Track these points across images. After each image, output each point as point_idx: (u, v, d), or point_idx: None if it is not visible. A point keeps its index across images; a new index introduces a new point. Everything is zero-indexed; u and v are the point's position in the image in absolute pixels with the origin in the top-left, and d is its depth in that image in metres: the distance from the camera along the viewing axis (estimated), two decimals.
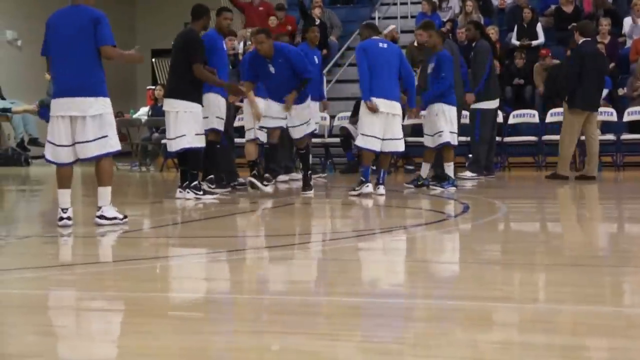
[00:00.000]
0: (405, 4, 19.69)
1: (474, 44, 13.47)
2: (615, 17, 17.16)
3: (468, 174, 13.48)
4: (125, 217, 8.36)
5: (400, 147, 10.88)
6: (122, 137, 21.02)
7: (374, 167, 11.41)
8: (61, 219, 8.18)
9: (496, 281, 5.59)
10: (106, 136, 8.09)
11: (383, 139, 10.70)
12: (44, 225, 9.05)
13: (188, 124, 10.30)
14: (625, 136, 15.41)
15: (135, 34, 24.71)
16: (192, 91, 10.31)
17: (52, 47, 8.19)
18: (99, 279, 5.87)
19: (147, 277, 5.93)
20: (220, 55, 11.12)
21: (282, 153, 13.39)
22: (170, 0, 23.31)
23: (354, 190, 10.86)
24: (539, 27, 17.36)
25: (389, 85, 10.72)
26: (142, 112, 18.10)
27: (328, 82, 17.72)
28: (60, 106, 8.11)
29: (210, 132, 11.04)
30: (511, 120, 16.05)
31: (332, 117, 16.59)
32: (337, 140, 16.04)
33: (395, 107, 10.73)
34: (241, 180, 12.16)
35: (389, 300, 5.04)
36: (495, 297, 5.04)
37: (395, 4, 19.69)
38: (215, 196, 10.65)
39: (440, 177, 11.87)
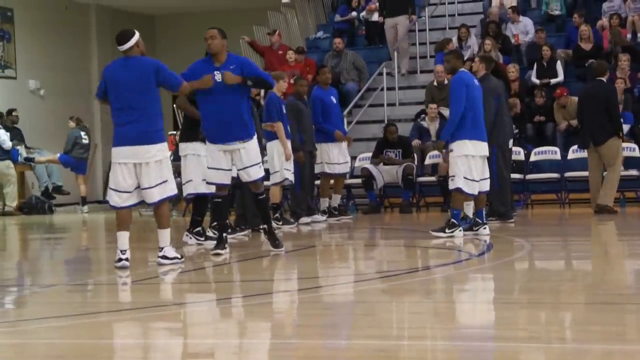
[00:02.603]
0: (424, 44, 19.75)
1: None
2: (634, 53, 17.15)
3: None
4: (183, 257, 8.70)
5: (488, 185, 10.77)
6: None
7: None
8: (119, 260, 8.32)
9: (522, 321, 5.55)
10: (166, 181, 8.40)
11: (479, 180, 10.47)
12: (68, 274, 9.08)
13: (195, 168, 10.27)
14: None
15: None
16: (196, 132, 10.10)
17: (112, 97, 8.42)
18: (124, 326, 5.88)
19: (171, 324, 5.93)
20: None
21: (303, 195, 13.44)
22: (188, 46, 23.53)
23: (444, 232, 10.46)
24: (559, 65, 17.38)
25: (482, 125, 10.53)
26: None
27: (348, 123, 17.77)
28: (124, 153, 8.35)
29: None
30: (533, 158, 16.00)
31: (354, 158, 16.60)
32: (359, 181, 16.04)
33: (487, 148, 10.59)
34: None
35: (413, 343, 5.02)
36: (522, 338, 5.00)
37: (414, 44, 19.76)
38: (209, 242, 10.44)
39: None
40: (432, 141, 15.98)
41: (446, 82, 16.05)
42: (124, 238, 8.38)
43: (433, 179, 15.46)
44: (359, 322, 5.75)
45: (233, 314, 6.38)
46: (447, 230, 10.48)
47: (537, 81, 17.25)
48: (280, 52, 19.27)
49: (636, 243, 10.61)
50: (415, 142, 16.19)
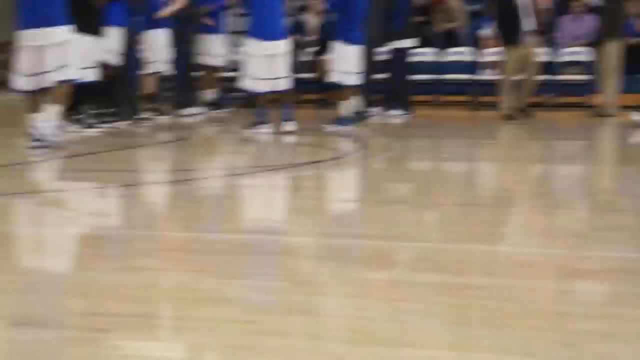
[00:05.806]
0: None
1: None
2: None
3: (399, 112, 13.51)
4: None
5: (287, 84, 10.56)
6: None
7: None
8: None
9: (386, 220, 5.61)
10: (66, 65, 8.51)
11: (273, 79, 10.41)
12: None
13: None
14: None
15: None
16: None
17: None
18: None
19: (35, 212, 5.80)
20: None
21: (182, 85, 13.29)
22: None
23: (250, 130, 10.61)
24: None
25: (272, 23, 10.37)
26: None
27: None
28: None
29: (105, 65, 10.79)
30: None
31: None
32: (236, 74, 15.86)
33: (279, 46, 10.44)
34: (143, 114, 12.07)
35: (275, 237, 5.03)
36: (385, 236, 5.06)
37: None
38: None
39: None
40: None
41: None
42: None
43: (311, 75, 15.37)
44: (222, 216, 5.73)
45: (98, 203, 6.27)
46: (252, 129, 10.52)
47: None
48: None
49: (495, 145, 10.85)
50: (295, 38, 16.01)
